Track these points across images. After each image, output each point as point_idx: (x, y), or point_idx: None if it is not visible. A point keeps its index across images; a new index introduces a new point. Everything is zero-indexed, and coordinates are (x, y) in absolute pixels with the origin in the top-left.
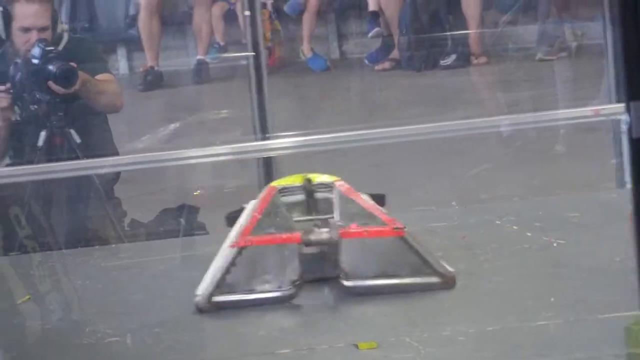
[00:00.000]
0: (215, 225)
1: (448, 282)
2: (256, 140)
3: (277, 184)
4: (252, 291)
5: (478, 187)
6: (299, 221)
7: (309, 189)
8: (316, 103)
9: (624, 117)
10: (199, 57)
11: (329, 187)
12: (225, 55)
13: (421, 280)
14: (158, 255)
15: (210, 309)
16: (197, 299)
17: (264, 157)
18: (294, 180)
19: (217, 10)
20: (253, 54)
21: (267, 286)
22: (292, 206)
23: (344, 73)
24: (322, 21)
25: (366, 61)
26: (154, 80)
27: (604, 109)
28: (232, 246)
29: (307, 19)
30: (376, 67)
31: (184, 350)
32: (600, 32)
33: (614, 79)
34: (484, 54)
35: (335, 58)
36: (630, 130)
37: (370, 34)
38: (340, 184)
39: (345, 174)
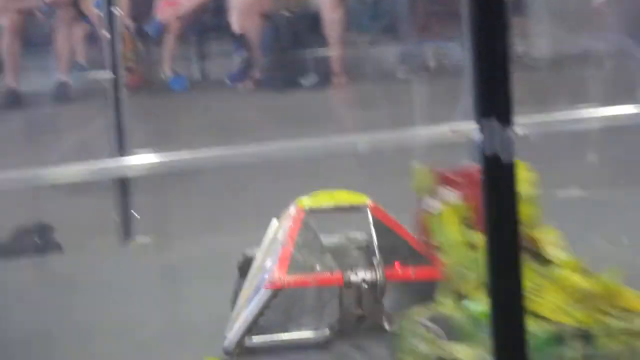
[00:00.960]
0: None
1: None
2: (113, 158)
3: (304, 204)
4: (285, 333)
5: None
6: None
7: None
8: (176, 123)
9: (476, 135)
10: (60, 77)
11: (359, 209)
12: (87, 75)
13: None
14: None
15: (241, 353)
16: (226, 342)
17: (120, 176)
18: (321, 199)
19: (78, 30)
20: (112, 74)
21: (303, 329)
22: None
23: (205, 93)
24: (184, 42)
25: (227, 81)
26: (13, 101)
27: (462, 126)
28: (267, 287)
29: (169, 39)
30: (237, 87)
31: None
32: (460, 52)
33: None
34: (344, 74)
35: (197, 79)
36: (481, 147)
37: (236, 55)
38: (373, 207)
39: (204, 194)
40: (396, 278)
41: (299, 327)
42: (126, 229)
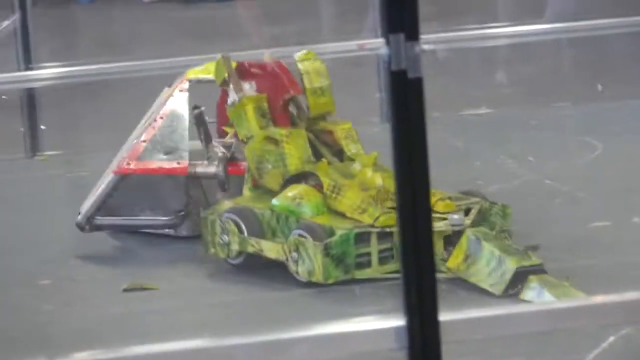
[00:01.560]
0: None
1: None
2: (19, 70)
3: (190, 74)
4: (134, 217)
5: None
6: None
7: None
8: (81, 35)
9: (384, 50)
10: None
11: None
12: None
13: None
14: None
15: (91, 229)
16: (79, 218)
17: (27, 89)
18: (208, 70)
19: None
20: None
21: (149, 213)
22: None
23: (112, 5)
24: None
25: None
26: None
27: (369, 43)
28: (115, 172)
29: None
30: (144, 0)
31: None
32: None
33: (379, 13)
34: None
35: None
36: (389, 63)
37: None
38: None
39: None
40: (238, 173)
41: (146, 212)
42: (33, 142)
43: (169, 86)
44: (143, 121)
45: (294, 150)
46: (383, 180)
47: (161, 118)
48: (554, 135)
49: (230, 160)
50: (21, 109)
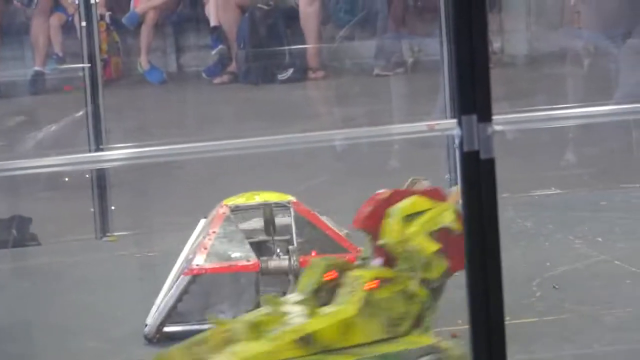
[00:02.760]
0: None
1: None
2: (90, 151)
3: (228, 202)
4: (204, 321)
5: (311, 200)
6: (254, 243)
7: (266, 212)
8: (152, 115)
9: (456, 132)
10: (36, 67)
11: (284, 206)
12: (63, 66)
13: None
14: None
15: (160, 339)
16: (146, 329)
17: (97, 170)
18: (246, 198)
19: (55, 21)
20: (89, 65)
21: (220, 315)
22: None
23: (182, 86)
24: (160, 34)
25: (204, 74)
26: None
27: (438, 124)
28: (186, 274)
29: (145, 31)
30: (214, 81)
31: None
32: (437, 48)
33: (449, 94)
34: (321, 68)
35: (173, 71)
36: (461, 144)
37: (214, 51)
38: (297, 204)
39: (181, 187)
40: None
41: (217, 314)
42: (103, 222)
43: (206, 217)
44: (188, 249)
45: None
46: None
47: (213, 232)
48: (623, 216)
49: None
50: (92, 189)
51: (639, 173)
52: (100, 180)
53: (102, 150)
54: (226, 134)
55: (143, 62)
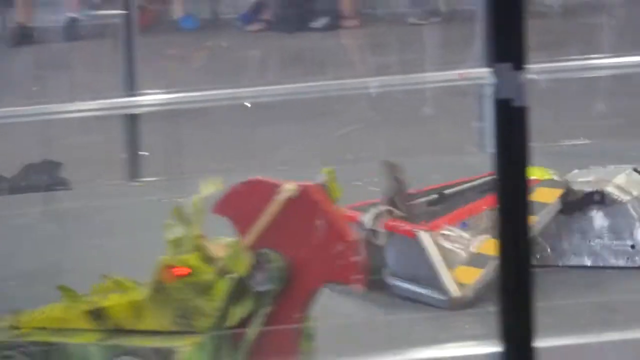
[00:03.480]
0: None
1: None
2: (124, 96)
3: None
4: None
5: (344, 148)
6: None
7: None
8: (185, 62)
9: (490, 79)
10: (71, 14)
11: None
12: (98, 12)
13: None
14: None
15: None
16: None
17: (130, 115)
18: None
19: None
20: (125, 12)
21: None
22: None
23: (216, 33)
24: None
25: (238, 22)
26: (25, 37)
27: (470, 72)
28: None
29: None
30: (248, 29)
31: None
32: None
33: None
34: (355, 16)
35: (208, 18)
36: (494, 91)
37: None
38: None
39: (212, 134)
40: None
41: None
42: (133, 166)
43: None
44: None
45: None
46: None
47: None
48: None
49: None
50: (125, 134)
51: None
52: (132, 126)
53: (134, 95)
54: (258, 82)
55: (177, 9)
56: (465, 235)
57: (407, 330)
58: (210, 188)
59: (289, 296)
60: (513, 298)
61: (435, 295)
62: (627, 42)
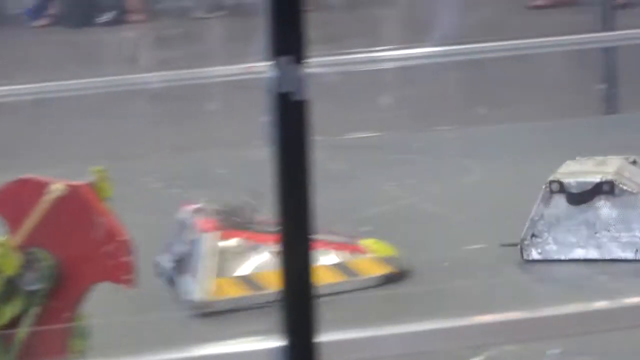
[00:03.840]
0: None
1: None
2: None
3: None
4: None
5: (125, 144)
6: None
7: None
8: None
9: (271, 73)
10: None
11: None
12: None
13: None
14: None
15: None
16: None
17: None
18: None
19: None
20: None
21: None
22: None
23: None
24: None
25: (25, 16)
26: None
27: (256, 66)
28: None
29: None
30: (35, 24)
31: None
32: None
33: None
34: (141, 11)
35: None
36: (275, 85)
37: None
38: None
39: None
40: None
41: None
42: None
43: None
44: None
45: None
46: None
47: None
48: (434, 159)
49: None
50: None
51: (452, 115)
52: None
53: None
54: (40, 78)
55: None
56: (255, 255)
57: (187, 328)
58: None
59: (60, 295)
60: (295, 294)
61: (186, 294)
62: (410, 34)
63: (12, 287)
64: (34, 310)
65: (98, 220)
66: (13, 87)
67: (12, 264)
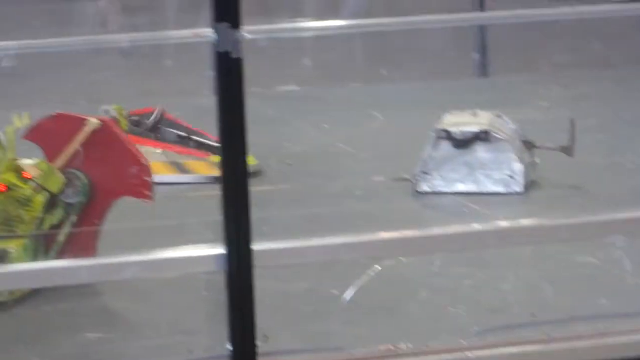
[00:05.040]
0: None
1: None
2: None
3: None
4: None
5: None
6: None
7: None
8: None
9: (213, 36)
10: None
11: None
12: None
13: None
14: None
15: None
16: None
17: None
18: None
19: None
20: None
21: None
22: None
23: None
24: None
25: None
26: None
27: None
28: None
29: None
30: None
31: None
32: None
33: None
34: None
35: None
36: (216, 46)
37: None
38: None
39: None
40: None
41: None
42: None
43: None
44: None
45: None
46: None
47: None
48: (346, 109)
49: None
50: None
51: (360, 75)
52: None
53: None
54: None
55: None
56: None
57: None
58: (21, 121)
59: (92, 207)
60: (234, 208)
61: None
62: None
63: (54, 201)
64: (72, 219)
65: (124, 148)
66: None
67: (56, 183)
